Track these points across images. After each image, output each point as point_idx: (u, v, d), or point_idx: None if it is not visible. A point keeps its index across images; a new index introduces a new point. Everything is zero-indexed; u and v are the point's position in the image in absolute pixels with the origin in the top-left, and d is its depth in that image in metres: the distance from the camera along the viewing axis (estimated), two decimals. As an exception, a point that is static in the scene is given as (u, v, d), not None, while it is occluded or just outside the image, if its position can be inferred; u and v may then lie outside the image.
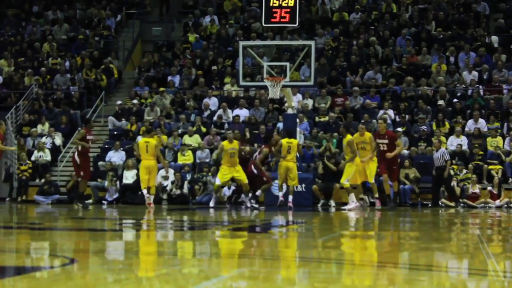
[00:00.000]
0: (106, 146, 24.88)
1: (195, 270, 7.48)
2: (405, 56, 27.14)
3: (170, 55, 29.66)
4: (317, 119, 24.94)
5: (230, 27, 30.10)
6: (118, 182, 23.03)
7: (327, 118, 24.66)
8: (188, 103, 26.14)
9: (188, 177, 22.96)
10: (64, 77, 28.30)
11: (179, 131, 24.75)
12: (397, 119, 24.42)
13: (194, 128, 24.68)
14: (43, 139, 25.11)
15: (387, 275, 7.21)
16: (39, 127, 25.92)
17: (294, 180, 19.62)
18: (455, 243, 10.80)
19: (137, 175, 21.53)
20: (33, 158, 24.51)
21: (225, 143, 20.16)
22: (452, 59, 27.07)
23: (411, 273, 7.38)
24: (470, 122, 23.87)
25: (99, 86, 27.91)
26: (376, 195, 19.39)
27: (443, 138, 22.84)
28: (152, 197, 20.22)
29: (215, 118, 25.15)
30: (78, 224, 14.58)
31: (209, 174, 22.52)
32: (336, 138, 23.15)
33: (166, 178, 22.86)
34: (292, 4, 21.08)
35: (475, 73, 26.02)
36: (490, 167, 22.26)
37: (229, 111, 25.43)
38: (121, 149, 24.17)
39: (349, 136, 19.39)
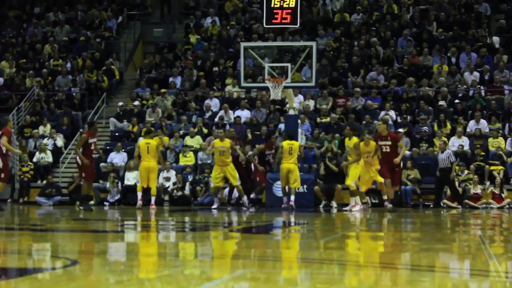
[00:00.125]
0: (108, 147, 24.87)
1: (197, 272, 7.48)
2: (407, 57, 27.13)
3: (172, 56, 29.67)
4: (318, 120, 24.94)
5: (231, 28, 30.11)
6: (119, 184, 23.03)
7: (328, 119, 24.65)
8: (189, 104, 26.15)
9: (190, 178, 22.96)
10: (66, 79, 28.31)
11: (181, 132, 24.76)
12: (399, 120, 24.41)
13: (196, 129, 24.68)
14: (45, 141, 25.12)
15: (389, 276, 7.21)
16: (41, 128, 25.93)
17: (296, 182, 19.60)
18: (457, 244, 10.80)
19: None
20: (34, 159, 24.51)
21: (216, 141, 20.21)
22: (453, 59, 27.07)
23: (413, 274, 7.38)
24: (472, 122, 23.86)
25: (101, 87, 27.91)
26: (385, 197, 19.03)
27: (444, 139, 22.83)
28: (153, 198, 20.27)
29: (216, 119, 25.15)
30: (80, 226, 14.58)
31: (211, 175, 22.49)
32: (338, 139, 23.15)
33: (167, 179, 22.86)
34: (293, 5, 21.07)
35: (476, 73, 26.02)
36: (491, 168, 22.25)
37: (230, 112, 25.43)
38: (123, 150, 24.17)
39: (355, 138, 19.36)
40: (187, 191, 22.66)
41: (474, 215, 17.79)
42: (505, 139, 23.28)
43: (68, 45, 30.56)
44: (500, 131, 23.62)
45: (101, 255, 8.95)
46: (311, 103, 25.62)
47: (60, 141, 25.34)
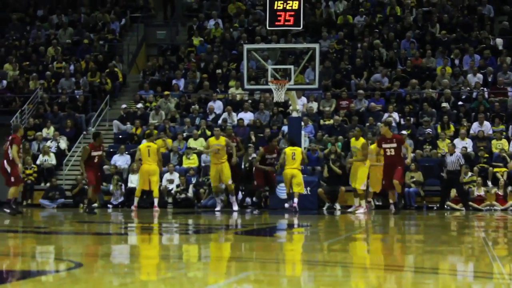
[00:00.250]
0: (111, 150, 24.89)
1: (200, 274, 7.48)
2: (410, 58, 27.11)
3: (175, 58, 29.69)
4: (322, 122, 24.94)
5: (234, 30, 30.12)
6: (123, 186, 23.05)
7: (331, 121, 24.65)
8: (193, 106, 26.15)
9: (193, 180, 22.97)
10: (69, 81, 28.34)
11: (184, 134, 24.77)
12: (402, 122, 24.40)
13: (199, 132, 24.68)
14: (48, 143, 25.13)
15: (393, 278, 7.20)
16: (44, 131, 25.95)
17: (300, 186, 19.57)
18: (460, 246, 10.79)
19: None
20: (38, 162, 24.52)
21: (211, 139, 20.21)
22: (456, 61, 27.05)
23: (416, 276, 7.37)
24: (475, 124, 23.83)
25: (104, 89, 27.93)
26: (391, 200, 18.98)
27: (448, 141, 22.81)
28: (156, 200, 20.28)
29: (220, 121, 25.15)
30: (83, 228, 14.59)
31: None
32: (341, 141, 23.15)
33: (171, 181, 22.87)
34: (296, 7, 21.07)
35: (479, 75, 26.00)
36: (495, 169, 22.22)
37: (233, 114, 25.43)
38: (126, 153, 24.18)
39: (362, 139, 19.36)
40: (190, 193, 22.66)
41: (477, 217, 17.77)
42: (509, 141, 23.26)
43: (71, 47, 30.58)
44: (504, 133, 23.60)
45: (104, 258, 8.95)
46: (314, 105, 25.61)
47: (63, 144, 25.35)
